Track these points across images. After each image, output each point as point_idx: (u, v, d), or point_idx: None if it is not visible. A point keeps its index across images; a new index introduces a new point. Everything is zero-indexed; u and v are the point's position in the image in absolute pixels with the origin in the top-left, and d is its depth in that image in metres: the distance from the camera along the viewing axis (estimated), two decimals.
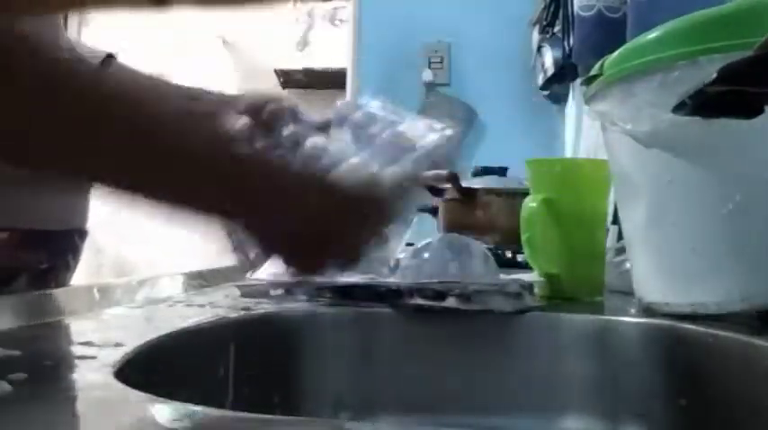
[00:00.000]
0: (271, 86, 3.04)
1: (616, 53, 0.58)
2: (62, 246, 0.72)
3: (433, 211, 1.23)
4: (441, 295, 0.58)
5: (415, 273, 0.61)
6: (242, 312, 0.55)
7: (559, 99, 2.06)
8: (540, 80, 1.93)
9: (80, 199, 0.74)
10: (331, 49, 3.02)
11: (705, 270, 0.54)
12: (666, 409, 0.54)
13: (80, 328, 0.47)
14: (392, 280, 0.63)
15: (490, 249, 0.69)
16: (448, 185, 1.03)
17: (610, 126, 0.61)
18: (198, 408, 0.28)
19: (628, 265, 0.66)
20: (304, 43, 3.25)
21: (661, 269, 0.58)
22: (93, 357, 0.37)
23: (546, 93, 2.02)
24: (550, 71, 1.82)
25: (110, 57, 0.72)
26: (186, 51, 3.02)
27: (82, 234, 0.77)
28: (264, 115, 0.53)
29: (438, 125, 0.51)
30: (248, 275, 0.77)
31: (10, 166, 0.45)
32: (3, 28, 0.35)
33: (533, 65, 2.00)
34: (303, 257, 0.50)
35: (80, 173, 0.45)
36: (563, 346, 0.58)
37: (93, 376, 0.33)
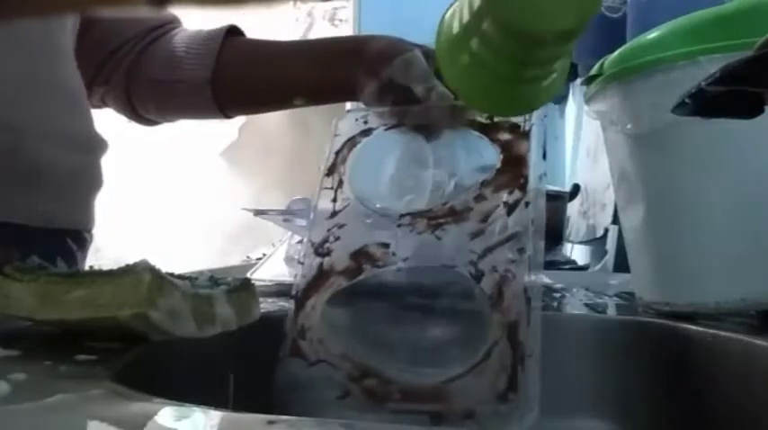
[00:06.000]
0: None
1: (616, 53, 0.58)
2: (46, 244, 0.66)
3: None
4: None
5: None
6: None
7: (559, 99, 2.06)
8: None
9: (73, 199, 0.70)
10: None
11: (705, 270, 0.54)
12: (666, 409, 0.54)
13: (80, 327, 0.47)
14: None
15: None
16: None
17: (610, 126, 0.61)
18: (198, 408, 0.28)
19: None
20: None
21: (661, 269, 0.58)
22: (93, 357, 0.37)
23: None
24: None
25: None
26: None
27: (77, 237, 0.72)
28: None
29: None
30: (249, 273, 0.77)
31: None
32: None
33: None
34: None
35: None
36: (562, 346, 0.58)
37: (93, 376, 0.33)
